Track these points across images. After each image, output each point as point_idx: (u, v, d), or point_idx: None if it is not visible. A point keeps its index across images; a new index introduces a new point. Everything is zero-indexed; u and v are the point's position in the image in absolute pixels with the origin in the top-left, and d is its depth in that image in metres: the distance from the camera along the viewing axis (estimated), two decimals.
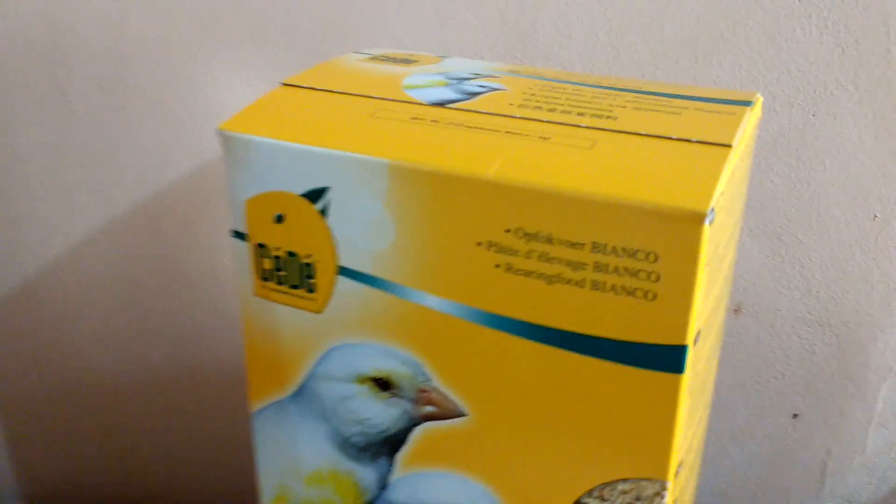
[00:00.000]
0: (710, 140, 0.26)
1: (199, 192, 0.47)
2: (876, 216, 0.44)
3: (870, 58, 0.42)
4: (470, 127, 0.28)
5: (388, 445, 0.31)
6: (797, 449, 0.51)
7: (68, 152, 0.47)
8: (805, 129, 0.43)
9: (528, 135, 0.27)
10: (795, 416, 0.50)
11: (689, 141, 0.26)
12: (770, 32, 0.42)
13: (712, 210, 0.24)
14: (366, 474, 0.32)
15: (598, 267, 0.25)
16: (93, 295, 0.51)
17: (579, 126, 0.28)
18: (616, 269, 0.25)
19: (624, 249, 0.24)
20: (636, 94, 0.31)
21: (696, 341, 0.26)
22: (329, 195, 0.28)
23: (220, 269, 0.49)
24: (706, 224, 0.23)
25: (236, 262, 0.31)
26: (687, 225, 0.23)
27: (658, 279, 0.24)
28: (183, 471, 0.56)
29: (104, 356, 0.53)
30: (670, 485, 0.27)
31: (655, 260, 0.24)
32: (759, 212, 0.45)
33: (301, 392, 0.32)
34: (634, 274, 0.25)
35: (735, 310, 0.48)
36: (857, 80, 0.42)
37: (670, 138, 0.27)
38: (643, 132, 0.27)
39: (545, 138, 0.27)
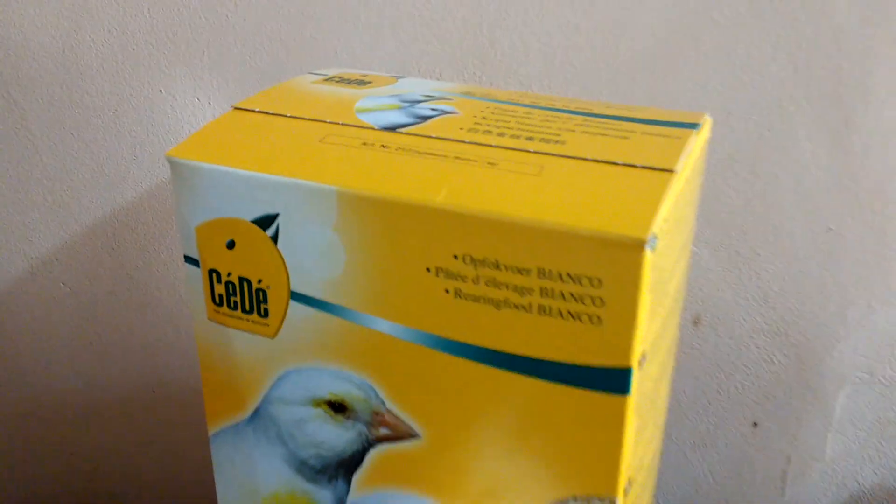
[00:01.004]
0: (655, 165, 0.27)
1: (157, 211, 0.47)
2: (830, 229, 0.45)
3: (821, 74, 0.42)
4: (419, 152, 0.28)
5: (344, 467, 0.31)
6: (757, 456, 0.51)
7: (26, 172, 0.47)
8: (760, 144, 0.44)
9: (476, 160, 0.28)
10: (755, 424, 0.50)
11: (633, 166, 0.27)
12: (725, 50, 0.42)
13: (654, 236, 0.24)
14: (323, 496, 0.32)
15: (544, 292, 0.25)
16: (52, 314, 0.50)
17: (527, 151, 0.28)
18: (561, 294, 0.25)
19: (569, 275, 0.25)
20: (585, 117, 0.31)
21: (641, 363, 0.26)
22: (279, 222, 0.28)
23: (178, 288, 0.49)
24: (647, 250, 0.24)
25: (189, 286, 0.31)
26: (628, 251, 0.24)
27: (602, 304, 0.25)
28: (147, 487, 0.56)
29: (65, 375, 0.52)
30: (620, 502, 0.28)
31: (599, 285, 0.25)
32: (717, 225, 0.46)
33: (257, 415, 0.32)
34: (579, 299, 0.25)
35: (694, 321, 0.48)
36: (810, 96, 0.43)
37: (616, 163, 0.27)
38: (590, 157, 0.28)
39: (493, 164, 0.27)
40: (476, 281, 0.26)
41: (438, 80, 0.41)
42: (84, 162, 0.46)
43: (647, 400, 0.29)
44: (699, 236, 0.46)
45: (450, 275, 0.26)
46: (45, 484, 0.56)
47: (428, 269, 0.26)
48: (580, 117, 0.31)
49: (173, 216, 0.47)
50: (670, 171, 0.26)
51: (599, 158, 0.27)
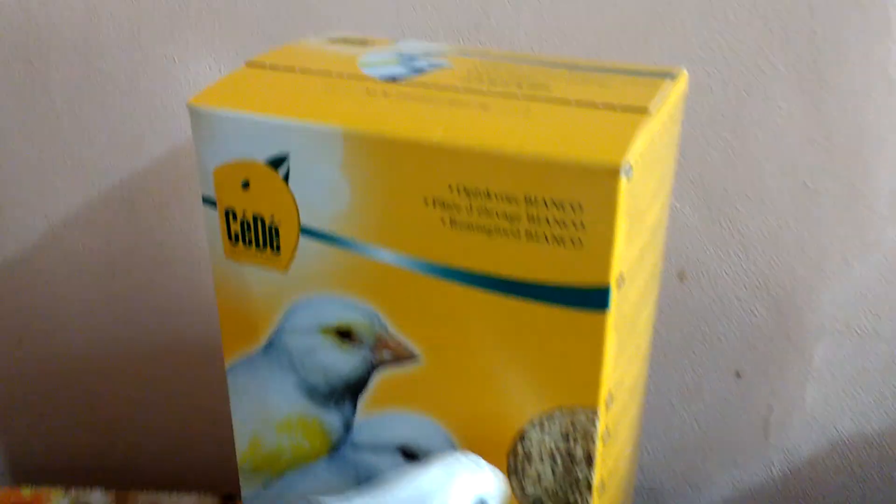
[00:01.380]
0: (631, 106, 0.30)
1: (173, 173, 0.50)
2: (806, 186, 0.48)
3: (796, 37, 0.45)
4: (418, 99, 0.31)
5: (350, 391, 0.34)
6: (741, 406, 0.54)
7: (47, 137, 0.49)
8: (739, 105, 0.47)
9: (469, 105, 0.30)
10: (738, 374, 0.53)
11: (612, 107, 0.30)
12: (704, 15, 0.45)
13: (629, 166, 0.27)
14: (331, 419, 0.35)
15: (530, 218, 0.28)
16: (72, 274, 0.53)
17: (516, 96, 0.31)
18: (546, 220, 0.28)
19: (552, 201, 0.27)
20: (570, 70, 0.34)
21: (619, 284, 0.29)
22: (290, 162, 0.31)
23: (194, 247, 0.52)
24: (623, 177, 0.27)
25: (207, 228, 0.34)
26: (606, 178, 0.27)
27: (583, 227, 0.27)
28: (163, 441, 0.59)
29: (84, 333, 0.55)
30: (601, 412, 0.30)
31: (580, 210, 0.27)
32: (699, 184, 0.48)
33: (270, 346, 0.35)
34: (562, 224, 0.28)
35: (679, 276, 0.51)
36: (786, 59, 0.45)
37: (596, 105, 0.30)
38: (573, 100, 0.30)
39: (484, 107, 0.30)
40: (469, 210, 0.29)
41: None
42: (102, 126, 0.49)
43: (627, 322, 0.31)
44: (683, 194, 0.49)
45: (445, 205, 0.29)
46: (65, 437, 0.59)
47: (425, 201, 0.29)
48: (565, 70, 0.34)
49: (187, 177, 0.50)
50: (645, 110, 0.29)
51: (581, 101, 0.30)
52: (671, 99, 0.32)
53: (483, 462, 0.30)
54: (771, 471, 0.55)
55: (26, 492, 0.49)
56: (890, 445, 0.54)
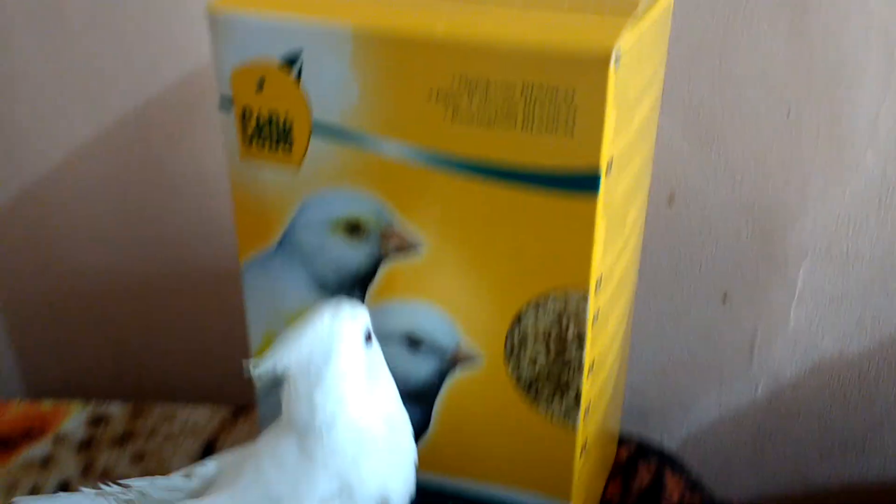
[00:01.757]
0: (620, 10, 0.32)
1: (185, 102, 0.52)
2: (790, 111, 0.50)
3: None
4: None
5: (359, 283, 0.37)
6: (727, 328, 0.57)
7: (63, 65, 0.51)
8: (726, 32, 0.49)
9: (469, 2, 0.33)
10: (725, 296, 0.56)
11: (601, 11, 0.32)
12: None
13: (618, 55, 0.29)
14: None
15: (527, 107, 0.30)
16: (88, 201, 0.55)
17: (513, 4, 0.33)
18: (541, 108, 0.30)
19: (547, 89, 0.30)
20: None
21: (609, 170, 0.31)
22: (303, 60, 0.33)
23: (204, 175, 0.54)
24: (612, 66, 0.29)
25: (224, 131, 0.36)
26: (596, 66, 0.29)
27: (575, 114, 0.30)
28: (176, 357, 0.61)
29: (99, 258, 0.57)
30: (591, 295, 0.33)
31: (573, 97, 0.30)
32: (688, 109, 0.51)
33: (283, 243, 0.37)
34: (556, 111, 0.30)
35: (668, 200, 0.53)
36: None
37: (587, 9, 0.32)
38: (565, 6, 0.33)
39: (482, 2, 0.32)
40: (470, 102, 0.31)
41: None
42: (116, 55, 0.51)
43: (616, 213, 0.34)
44: (672, 120, 0.51)
45: (448, 97, 0.31)
46: (82, 355, 0.61)
47: (430, 94, 0.31)
48: None
49: (199, 106, 0.52)
50: (632, 13, 0.31)
51: (573, 6, 0.32)
52: (657, 6, 0.35)
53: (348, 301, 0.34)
54: (755, 391, 0.58)
55: (46, 405, 0.51)
56: (870, 366, 0.56)
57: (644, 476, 0.46)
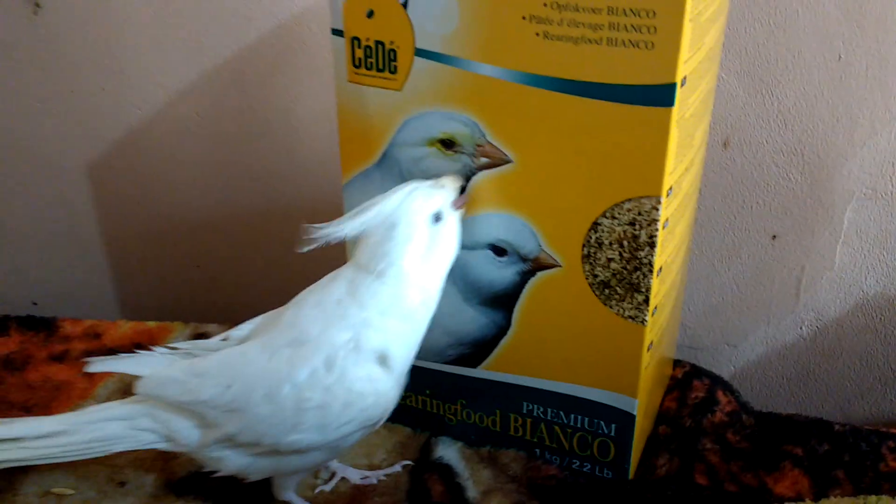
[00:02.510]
0: None
1: (277, 50, 0.57)
2: (840, 57, 0.53)
3: None
4: None
5: None
6: (775, 267, 0.60)
7: (167, 13, 0.56)
8: None
9: None
10: (774, 237, 0.59)
11: None
12: None
13: None
14: None
15: (611, 26, 0.34)
16: (186, 141, 0.60)
17: None
18: (624, 27, 0.34)
19: (630, 9, 0.34)
20: None
21: (683, 83, 0.35)
22: None
23: (294, 119, 0.59)
24: None
25: (335, 57, 0.40)
26: None
27: (654, 31, 0.34)
28: (259, 291, 0.66)
29: (194, 194, 0.63)
30: (663, 200, 0.37)
31: (653, 16, 0.33)
32: (744, 56, 0.54)
33: (383, 159, 0.42)
34: (637, 29, 0.34)
35: (723, 144, 0.57)
36: None
37: None
38: None
39: None
40: (560, 23, 0.35)
41: None
42: (215, 3, 0.56)
43: (686, 127, 0.38)
44: (729, 66, 0.54)
45: (540, 20, 0.35)
46: (176, 288, 0.67)
47: (523, 17, 0.35)
48: None
49: (290, 53, 0.57)
50: None
51: None
52: None
53: (444, 181, 0.39)
54: (801, 329, 0.61)
55: (152, 324, 0.56)
56: None
57: (699, 390, 0.50)
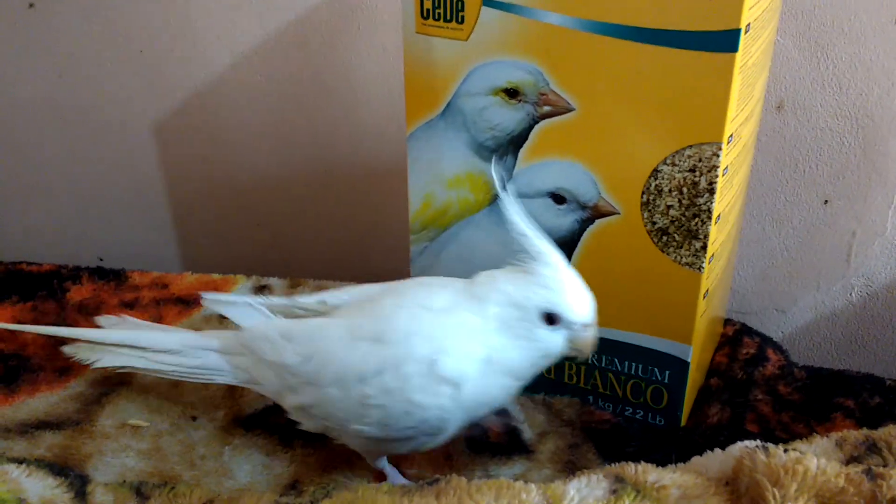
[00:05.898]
0: None
1: (340, 14, 0.58)
2: (895, 18, 0.53)
3: None
4: None
5: (513, 144, 0.42)
6: (826, 232, 0.60)
7: None
8: None
9: None
10: (826, 202, 0.59)
11: None
12: None
13: None
14: (495, 171, 0.43)
15: None
16: (251, 102, 0.62)
17: None
18: None
19: None
20: None
21: (747, 29, 0.36)
22: None
23: (354, 80, 0.61)
24: None
25: (403, 8, 0.42)
26: None
27: None
28: (317, 249, 0.68)
29: (257, 155, 0.65)
30: (724, 147, 0.38)
31: None
32: (801, 19, 0.54)
33: (448, 109, 0.43)
34: None
35: (778, 107, 0.57)
36: None
37: None
38: None
39: None
40: None
41: None
42: None
43: (747, 76, 0.39)
44: (785, 29, 0.55)
45: None
46: (238, 245, 0.69)
47: None
48: None
49: (352, 18, 0.58)
50: None
51: None
52: None
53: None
54: (851, 295, 0.62)
55: (216, 276, 0.59)
56: None
57: (749, 347, 0.51)
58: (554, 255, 0.38)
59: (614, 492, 0.32)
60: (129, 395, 0.48)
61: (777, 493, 0.26)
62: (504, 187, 0.38)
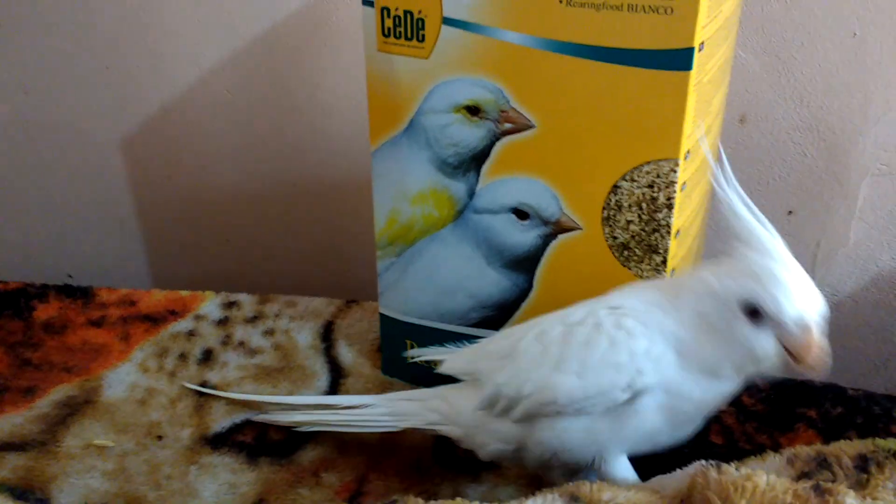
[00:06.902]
0: None
1: (305, 29, 0.59)
2: (855, 34, 0.54)
3: None
4: None
5: (475, 161, 0.43)
6: (791, 242, 0.60)
7: None
8: None
9: None
10: (790, 212, 0.60)
11: None
12: None
13: None
14: (458, 188, 0.44)
15: None
16: (218, 118, 0.62)
17: None
18: None
19: None
20: None
21: (701, 48, 0.36)
22: None
23: (321, 94, 0.61)
24: None
25: (364, 27, 0.42)
26: None
27: None
28: (286, 263, 0.68)
29: (225, 170, 0.65)
30: (681, 163, 0.38)
31: None
32: (761, 33, 0.55)
33: (410, 127, 0.43)
34: None
35: (741, 120, 0.58)
36: None
37: None
38: None
39: None
40: None
41: None
42: None
43: (703, 93, 0.39)
44: (746, 43, 0.55)
45: None
46: (207, 261, 0.69)
47: None
48: None
49: (318, 32, 0.58)
50: None
51: None
52: None
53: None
54: None
55: (184, 293, 0.58)
56: None
57: None
58: (769, 239, 0.34)
59: None
60: (95, 414, 0.48)
61: None
62: (717, 163, 0.33)
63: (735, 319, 0.33)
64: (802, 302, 0.32)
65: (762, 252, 0.33)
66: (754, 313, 0.32)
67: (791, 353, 0.32)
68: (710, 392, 0.35)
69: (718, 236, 0.60)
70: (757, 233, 0.34)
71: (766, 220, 0.34)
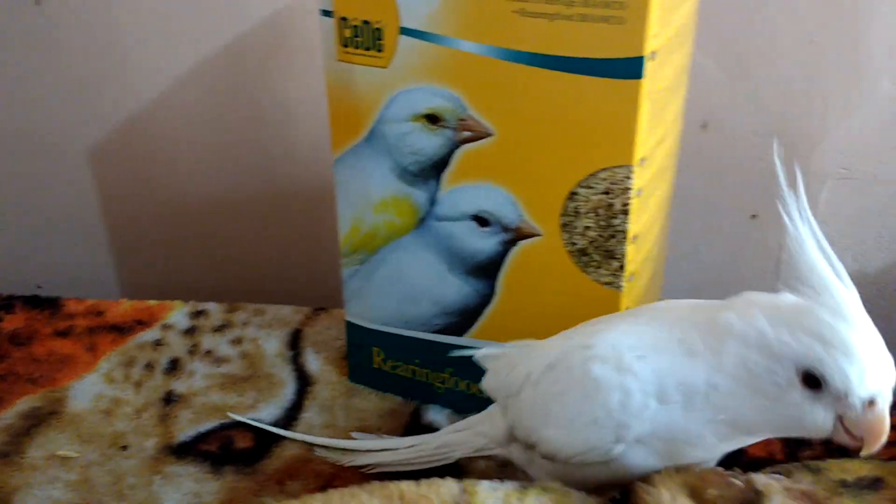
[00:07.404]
0: None
1: (271, 39, 0.59)
2: (813, 41, 0.55)
3: None
4: None
5: (436, 168, 0.43)
6: (755, 246, 0.62)
7: (167, 2, 0.59)
8: None
9: None
10: (753, 216, 0.61)
11: None
12: None
13: None
14: (419, 195, 0.44)
15: (584, 2, 0.36)
16: (186, 127, 0.62)
17: None
18: (596, 3, 0.36)
19: None
20: None
21: (653, 56, 0.37)
22: None
23: (288, 102, 0.61)
24: None
25: (323, 38, 0.42)
26: None
27: (624, 7, 0.36)
28: (256, 272, 0.69)
29: (193, 179, 0.65)
30: (635, 169, 0.39)
31: None
32: (720, 40, 0.56)
33: (371, 135, 0.44)
34: (609, 5, 0.36)
35: (702, 126, 0.59)
36: None
37: None
38: None
39: None
40: (536, 0, 0.37)
41: None
42: None
43: (657, 101, 0.40)
44: (706, 49, 0.56)
45: None
46: (177, 270, 0.69)
47: None
48: None
49: (285, 43, 0.59)
50: None
51: None
52: None
53: None
54: None
55: (152, 302, 0.58)
56: (887, 282, 0.61)
57: None
58: (844, 295, 0.28)
59: (524, 487, 0.34)
60: (60, 425, 0.48)
61: None
62: (790, 191, 0.30)
63: (789, 384, 0.28)
64: (876, 380, 0.28)
65: (834, 311, 0.28)
66: (813, 382, 0.28)
67: (850, 432, 0.29)
68: (731, 444, 0.32)
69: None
70: (831, 286, 0.29)
71: (842, 269, 0.29)
